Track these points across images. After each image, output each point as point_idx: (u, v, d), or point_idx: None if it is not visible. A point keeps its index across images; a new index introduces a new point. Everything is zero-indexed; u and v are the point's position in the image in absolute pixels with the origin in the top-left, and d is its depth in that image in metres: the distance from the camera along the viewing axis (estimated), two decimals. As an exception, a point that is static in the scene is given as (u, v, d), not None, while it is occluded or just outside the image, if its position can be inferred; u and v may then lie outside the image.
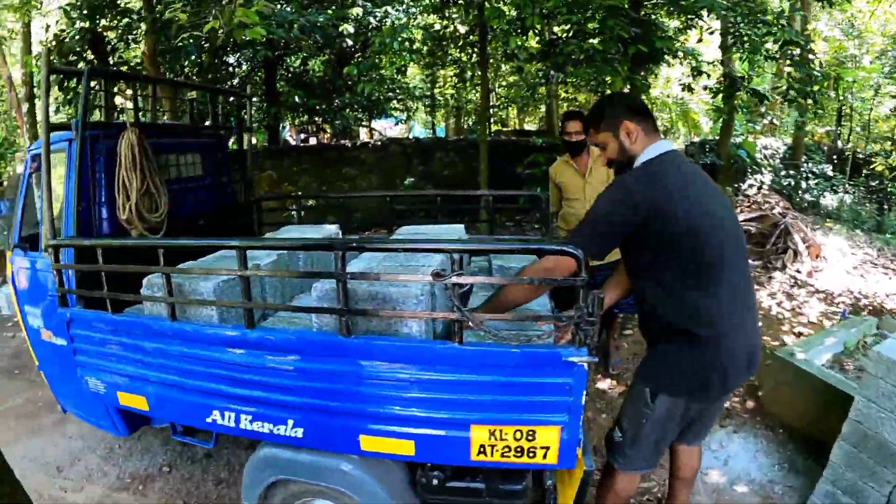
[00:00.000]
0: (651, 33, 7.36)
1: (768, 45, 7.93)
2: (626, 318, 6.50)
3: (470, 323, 2.39)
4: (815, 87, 7.98)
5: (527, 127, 24.45)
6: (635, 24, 7.11)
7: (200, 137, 5.08)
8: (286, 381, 2.80)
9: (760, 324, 6.77)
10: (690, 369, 2.59)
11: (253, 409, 2.93)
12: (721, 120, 14.14)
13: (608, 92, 13.15)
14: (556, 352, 2.43)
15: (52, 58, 10.93)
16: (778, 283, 9.14)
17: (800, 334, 6.92)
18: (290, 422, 2.85)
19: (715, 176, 15.69)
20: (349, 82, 13.27)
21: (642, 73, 8.76)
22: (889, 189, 15.52)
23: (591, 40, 6.83)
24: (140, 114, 4.37)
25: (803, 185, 16.19)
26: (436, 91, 19.86)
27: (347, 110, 14.55)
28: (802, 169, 16.71)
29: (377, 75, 12.42)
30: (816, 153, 17.61)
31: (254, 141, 17.91)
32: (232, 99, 5.63)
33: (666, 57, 7.56)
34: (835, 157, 18.28)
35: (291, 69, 15.21)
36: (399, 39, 7.72)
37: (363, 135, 20.64)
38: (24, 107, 13.29)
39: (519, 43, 7.96)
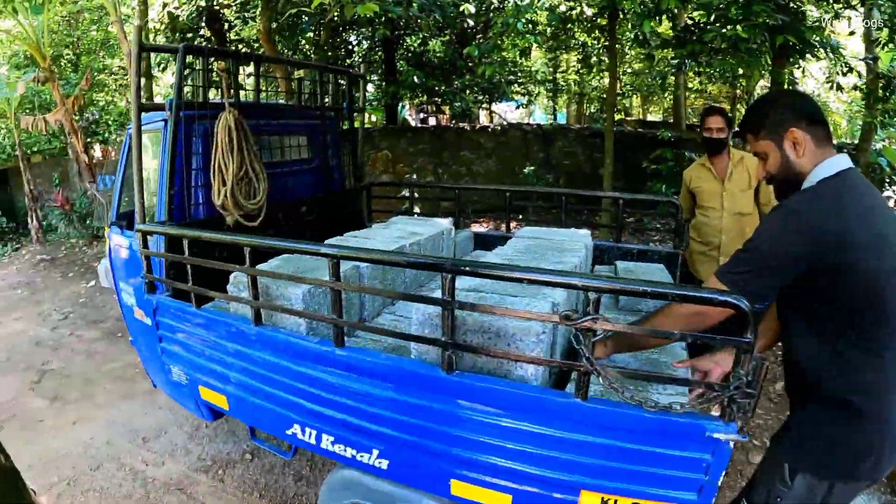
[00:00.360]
0: (798, 22, 6.57)
1: None
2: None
3: (601, 378, 1.95)
4: None
5: (650, 117, 23.59)
6: (781, 11, 6.36)
7: (308, 119, 4.75)
8: (375, 410, 2.44)
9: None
10: (843, 448, 2.07)
11: (337, 431, 2.60)
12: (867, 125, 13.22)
13: (745, 85, 12.49)
14: (698, 424, 1.95)
15: (150, 35, 11.04)
16: None
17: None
18: (376, 451, 2.51)
19: None
20: (469, 64, 12.91)
21: (786, 69, 7.95)
22: None
23: (733, 27, 6.11)
24: (244, 93, 4.11)
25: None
26: (558, 76, 19.13)
27: (467, 92, 14.16)
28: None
29: (499, 57, 12.04)
30: None
31: (373, 118, 17.93)
32: (344, 79, 5.28)
33: (816, 50, 6.73)
34: None
35: (411, 49, 14.95)
36: (523, 21, 7.24)
37: (483, 118, 20.32)
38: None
39: (652, 27, 7.30)
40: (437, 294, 2.11)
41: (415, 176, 11.87)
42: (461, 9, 9.10)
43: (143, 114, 3.44)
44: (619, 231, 4.71)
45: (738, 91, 14.87)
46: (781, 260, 2.00)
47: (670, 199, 4.67)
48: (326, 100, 5.02)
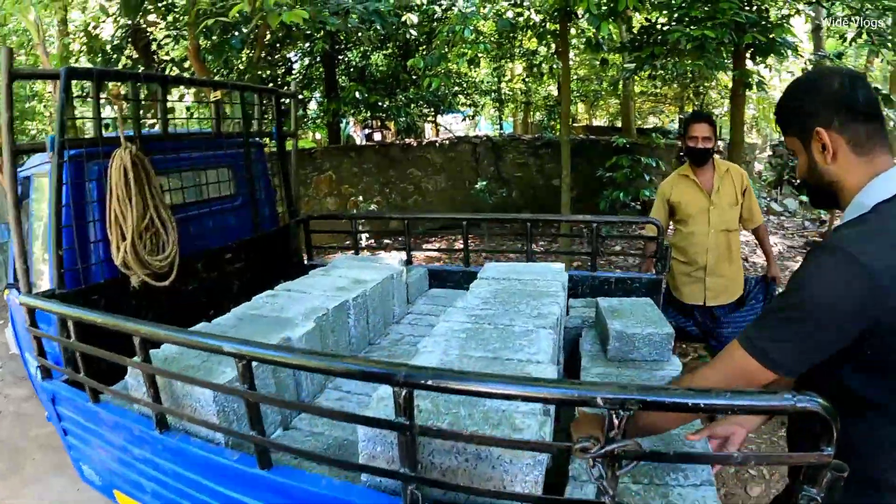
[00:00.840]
0: (764, 20, 6.27)
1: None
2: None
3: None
4: None
5: (596, 123, 23.43)
6: (745, 10, 6.08)
7: (230, 148, 4.01)
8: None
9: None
10: None
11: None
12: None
13: (700, 86, 12.19)
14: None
15: (73, 57, 10.22)
16: None
17: None
18: None
19: None
20: (414, 76, 12.37)
21: (755, 66, 7.61)
22: None
23: (699, 27, 5.68)
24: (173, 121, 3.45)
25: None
26: (504, 85, 18.70)
27: (412, 106, 13.63)
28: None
29: (444, 69, 11.56)
30: None
31: (318, 137, 17.26)
32: (271, 99, 4.58)
33: (781, 48, 6.35)
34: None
35: (353, 64, 14.35)
36: (469, 28, 6.80)
37: (429, 131, 19.82)
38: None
39: (610, 29, 6.85)
40: (389, 405, 1.50)
41: (361, 198, 11.23)
42: (403, 19, 8.53)
43: (30, 154, 2.80)
44: (595, 259, 4.17)
45: (688, 92, 14.65)
46: (834, 327, 1.47)
47: (651, 220, 4.14)
48: (252, 124, 4.30)
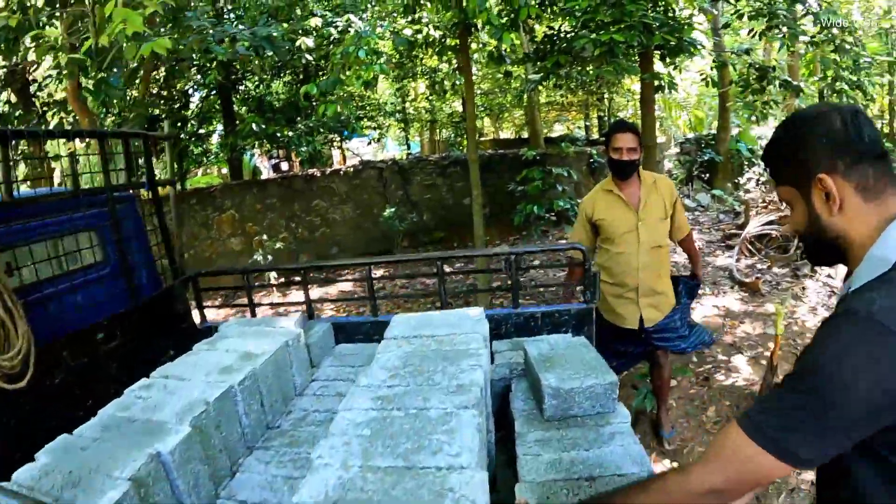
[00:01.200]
0: (672, 20, 6.14)
1: (806, 28, 6.68)
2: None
3: None
4: (864, 76, 6.68)
5: (503, 135, 23.42)
6: (653, 11, 5.99)
7: (92, 207, 3.39)
8: None
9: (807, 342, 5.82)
10: None
11: None
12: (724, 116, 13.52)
13: (606, 92, 12.11)
14: None
15: None
16: (815, 293, 8.18)
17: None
18: None
19: (714, 173, 15.17)
20: (314, 103, 11.96)
21: (666, 68, 7.50)
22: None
23: (607, 31, 5.44)
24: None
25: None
26: (408, 105, 18.40)
27: (314, 134, 13.14)
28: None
29: (343, 93, 11.13)
30: None
31: (224, 171, 16.51)
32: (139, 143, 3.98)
33: (691, 48, 6.21)
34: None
35: (250, 93, 13.85)
36: (365, 48, 6.43)
37: (336, 158, 19.34)
38: None
39: (513, 40, 6.59)
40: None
41: (266, 236, 10.67)
42: (298, 44, 8.05)
43: None
44: (516, 294, 3.80)
45: (593, 98, 14.65)
46: (865, 413, 1.19)
47: (576, 245, 3.80)
48: (119, 176, 3.73)
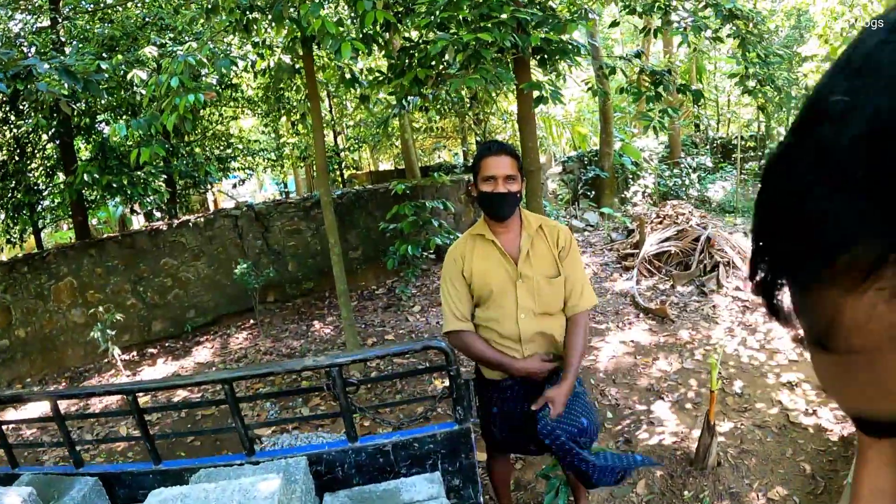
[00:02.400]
0: (554, 17, 5.11)
1: (709, 22, 5.93)
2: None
3: None
4: (776, 72, 6.00)
5: (383, 167, 22.72)
6: (529, 7, 5.07)
7: None
8: None
9: (741, 382, 5.77)
10: None
11: None
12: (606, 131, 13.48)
13: (480, 112, 11.17)
14: None
15: None
16: (726, 310, 7.58)
17: (790, 383, 5.59)
18: None
19: (600, 190, 14.93)
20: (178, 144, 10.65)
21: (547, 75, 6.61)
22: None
23: (472, 32, 4.37)
24: None
25: (687, 181, 16.45)
26: (281, 140, 17.31)
27: (165, 179, 11.72)
28: (682, 165, 16.82)
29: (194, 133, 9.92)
30: (691, 146, 18.26)
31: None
32: None
33: (575, 52, 5.38)
34: (707, 147, 19.28)
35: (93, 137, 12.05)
36: (179, 76, 5.32)
37: (211, 204, 18.03)
38: None
39: (363, 58, 5.55)
40: None
41: (111, 305, 9.15)
42: (130, 76, 6.87)
43: None
44: (350, 420, 2.58)
45: (468, 121, 13.88)
46: None
47: (431, 343, 2.62)
48: None
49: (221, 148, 13.65)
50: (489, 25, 4.38)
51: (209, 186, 15.17)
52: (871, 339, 0.43)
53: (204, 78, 5.93)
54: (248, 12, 5.58)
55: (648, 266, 9.78)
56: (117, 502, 2.56)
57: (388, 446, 2.53)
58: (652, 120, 5.98)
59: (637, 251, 10.35)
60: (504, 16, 4.40)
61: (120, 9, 10.38)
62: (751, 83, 6.24)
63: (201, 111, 7.17)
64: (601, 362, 6.55)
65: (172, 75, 5.28)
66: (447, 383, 2.70)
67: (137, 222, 15.76)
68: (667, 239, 9.92)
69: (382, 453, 2.52)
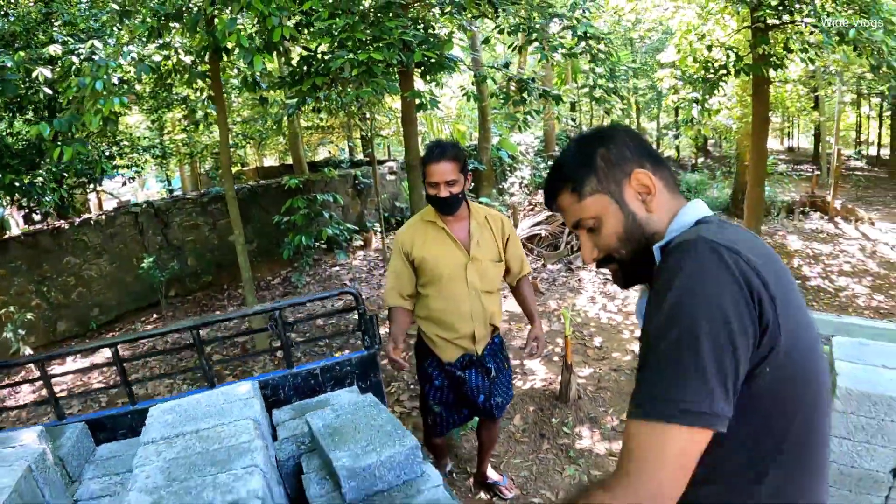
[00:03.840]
0: (432, 37, 6.12)
1: (565, 41, 6.92)
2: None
3: None
4: (620, 83, 7.06)
5: (267, 163, 22.85)
6: (413, 28, 5.92)
7: None
8: None
9: (601, 338, 6.88)
10: None
11: None
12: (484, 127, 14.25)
13: (366, 112, 11.95)
14: None
15: None
16: (590, 283, 8.75)
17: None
18: None
19: (479, 181, 15.84)
20: (59, 143, 10.63)
21: (426, 84, 7.49)
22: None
23: (365, 50, 5.20)
24: None
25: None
26: (165, 138, 17.11)
27: (60, 179, 11.68)
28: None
29: (81, 131, 10.03)
30: (565, 140, 18.42)
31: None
32: None
33: (453, 64, 6.24)
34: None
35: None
36: (103, 79, 5.68)
37: (93, 203, 17.64)
38: None
39: (265, 64, 6.21)
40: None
41: (14, 307, 9.25)
42: (35, 75, 6.98)
43: None
44: (288, 353, 3.43)
45: (355, 119, 14.55)
46: (740, 348, 1.14)
47: (351, 289, 3.48)
48: None
49: (107, 145, 13.32)
50: (381, 45, 5.24)
51: (97, 185, 14.97)
52: (592, 213, 1.42)
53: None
54: (163, 19, 6.10)
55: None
56: (100, 443, 3.24)
57: (318, 370, 3.34)
58: (517, 120, 7.00)
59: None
60: (393, 38, 5.24)
61: (13, 2, 10.36)
62: (597, 93, 7.32)
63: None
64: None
65: (97, 79, 5.66)
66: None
67: (16, 226, 15.36)
68: (538, 223, 11.01)
69: (313, 376, 3.33)
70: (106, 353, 7.83)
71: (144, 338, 3.45)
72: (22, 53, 7.71)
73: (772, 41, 8.22)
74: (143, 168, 17.43)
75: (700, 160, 26.30)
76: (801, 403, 1.25)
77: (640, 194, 1.40)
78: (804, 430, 1.27)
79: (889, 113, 24.31)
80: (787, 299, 1.20)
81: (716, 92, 9.04)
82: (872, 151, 29.88)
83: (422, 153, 4.47)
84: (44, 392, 5.35)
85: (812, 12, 7.06)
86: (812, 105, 24.15)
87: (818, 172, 18.41)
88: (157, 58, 6.63)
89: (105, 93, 5.82)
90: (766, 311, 1.15)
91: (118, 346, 3.33)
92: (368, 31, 5.36)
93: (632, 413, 1.17)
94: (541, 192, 12.57)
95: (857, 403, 2.89)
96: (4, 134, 11.20)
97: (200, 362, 3.28)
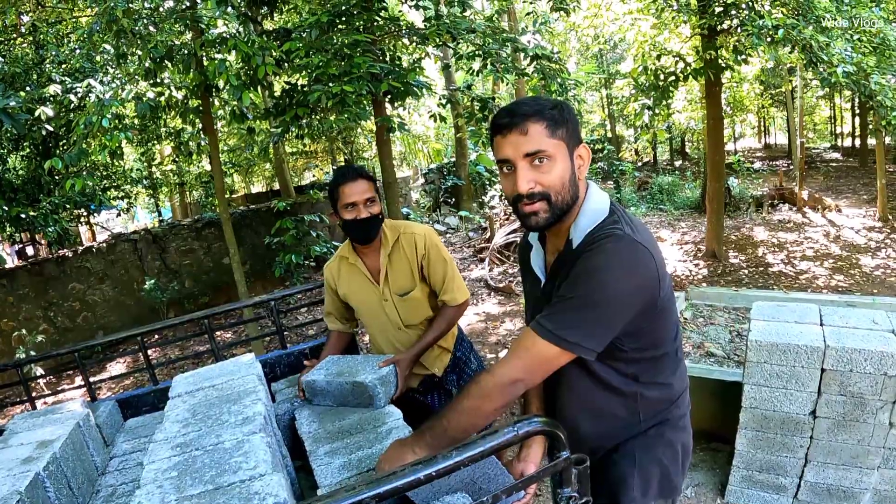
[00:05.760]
0: (398, 68, 6.82)
1: (518, 63, 7.69)
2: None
3: None
4: (568, 96, 7.71)
5: (254, 189, 23.35)
6: (380, 61, 6.61)
7: None
8: None
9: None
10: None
11: None
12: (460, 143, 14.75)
13: (345, 137, 12.69)
14: None
15: None
16: None
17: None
18: None
19: (459, 196, 16.42)
20: (57, 178, 11.27)
21: (394, 111, 8.19)
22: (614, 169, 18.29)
23: (338, 83, 5.93)
24: None
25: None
26: (154, 169, 17.79)
27: (61, 212, 12.26)
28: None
29: (88, 164, 10.58)
30: None
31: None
32: None
33: (417, 90, 6.90)
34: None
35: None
36: (108, 116, 6.36)
37: (84, 235, 18.20)
38: None
39: (252, 98, 6.90)
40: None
41: (24, 331, 9.88)
42: (37, 113, 7.59)
43: None
44: (282, 336, 4.14)
45: (337, 143, 15.25)
46: (625, 304, 1.69)
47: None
48: None
49: (100, 178, 14.03)
50: (351, 78, 5.94)
51: (93, 217, 15.48)
52: (550, 152, 1.69)
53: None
54: (157, 60, 6.75)
55: (499, 255, 11.53)
56: (127, 419, 3.93)
57: (307, 349, 3.97)
58: (482, 136, 7.72)
59: (489, 244, 12.08)
60: (361, 72, 5.95)
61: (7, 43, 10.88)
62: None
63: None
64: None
65: (103, 116, 6.33)
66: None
67: (11, 260, 15.77)
68: (513, 231, 11.66)
69: (304, 355, 3.94)
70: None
71: (163, 328, 4.11)
72: (22, 94, 8.36)
73: (721, 46, 8.91)
74: (134, 199, 17.96)
75: (678, 163, 27.02)
76: (674, 318, 1.90)
77: (580, 161, 1.79)
78: (677, 332, 1.94)
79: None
80: (665, 270, 1.76)
81: (669, 97, 9.72)
82: (849, 143, 30.54)
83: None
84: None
85: (747, 17, 7.74)
86: (770, 103, 24.92)
87: (793, 167, 19.00)
88: (150, 94, 7.14)
89: (111, 128, 6.52)
90: (662, 283, 1.72)
91: (140, 336, 4.03)
92: (341, 66, 6.05)
93: (534, 328, 1.72)
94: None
95: (767, 353, 3.47)
96: (4, 170, 11.79)
97: (212, 345, 3.97)
